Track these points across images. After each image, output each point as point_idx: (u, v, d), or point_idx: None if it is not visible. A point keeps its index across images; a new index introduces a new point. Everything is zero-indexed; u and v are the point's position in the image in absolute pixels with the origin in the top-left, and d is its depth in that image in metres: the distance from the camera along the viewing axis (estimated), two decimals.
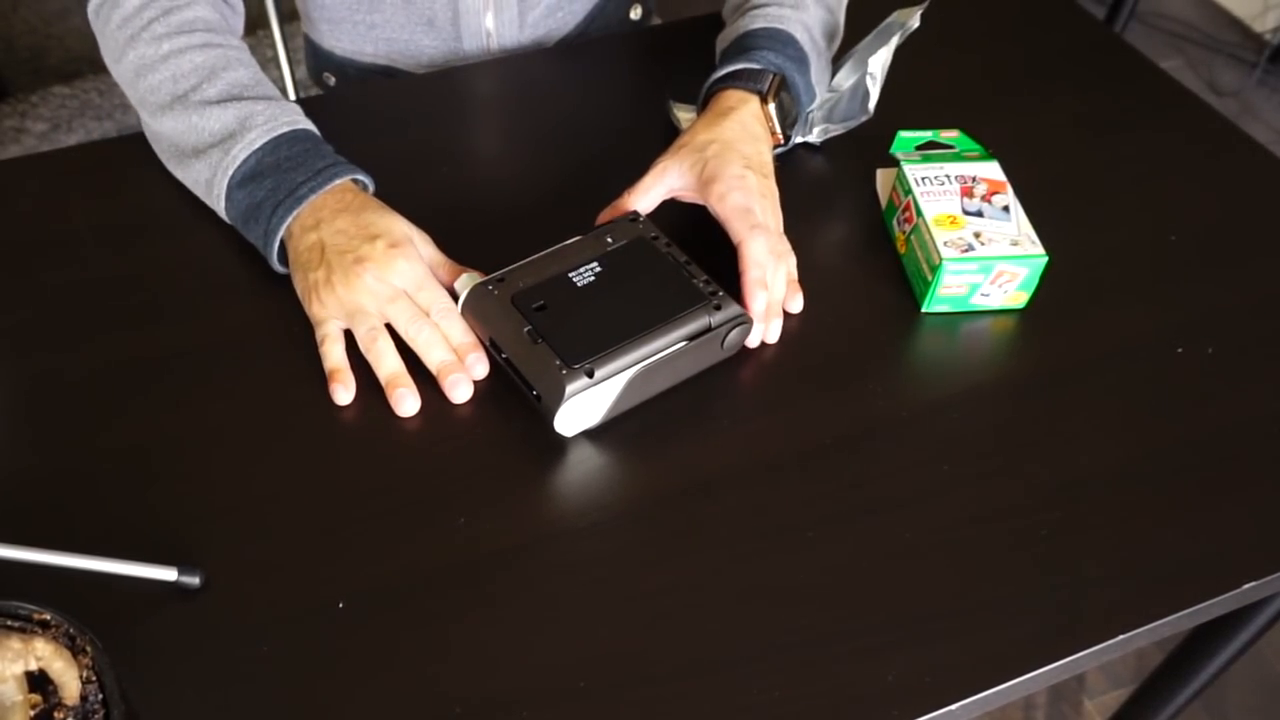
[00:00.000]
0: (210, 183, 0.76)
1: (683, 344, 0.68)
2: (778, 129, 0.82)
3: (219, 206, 0.77)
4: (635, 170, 0.78)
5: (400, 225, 0.73)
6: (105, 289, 0.75)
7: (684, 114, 0.88)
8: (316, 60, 1.07)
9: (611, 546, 0.64)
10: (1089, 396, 0.73)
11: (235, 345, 0.72)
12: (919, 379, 0.73)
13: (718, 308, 0.69)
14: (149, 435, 0.67)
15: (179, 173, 0.80)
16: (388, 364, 0.70)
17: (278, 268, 0.75)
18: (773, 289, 0.73)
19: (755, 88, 0.80)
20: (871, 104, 0.85)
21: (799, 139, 0.87)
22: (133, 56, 0.80)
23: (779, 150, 0.83)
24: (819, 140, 0.88)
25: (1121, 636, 0.61)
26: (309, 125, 0.78)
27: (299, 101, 0.86)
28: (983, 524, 0.65)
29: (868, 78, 0.84)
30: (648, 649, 0.59)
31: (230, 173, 0.75)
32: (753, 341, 0.73)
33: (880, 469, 0.68)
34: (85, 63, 1.71)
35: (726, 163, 0.75)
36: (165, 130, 0.79)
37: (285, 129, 0.76)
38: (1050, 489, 0.67)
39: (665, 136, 0.88)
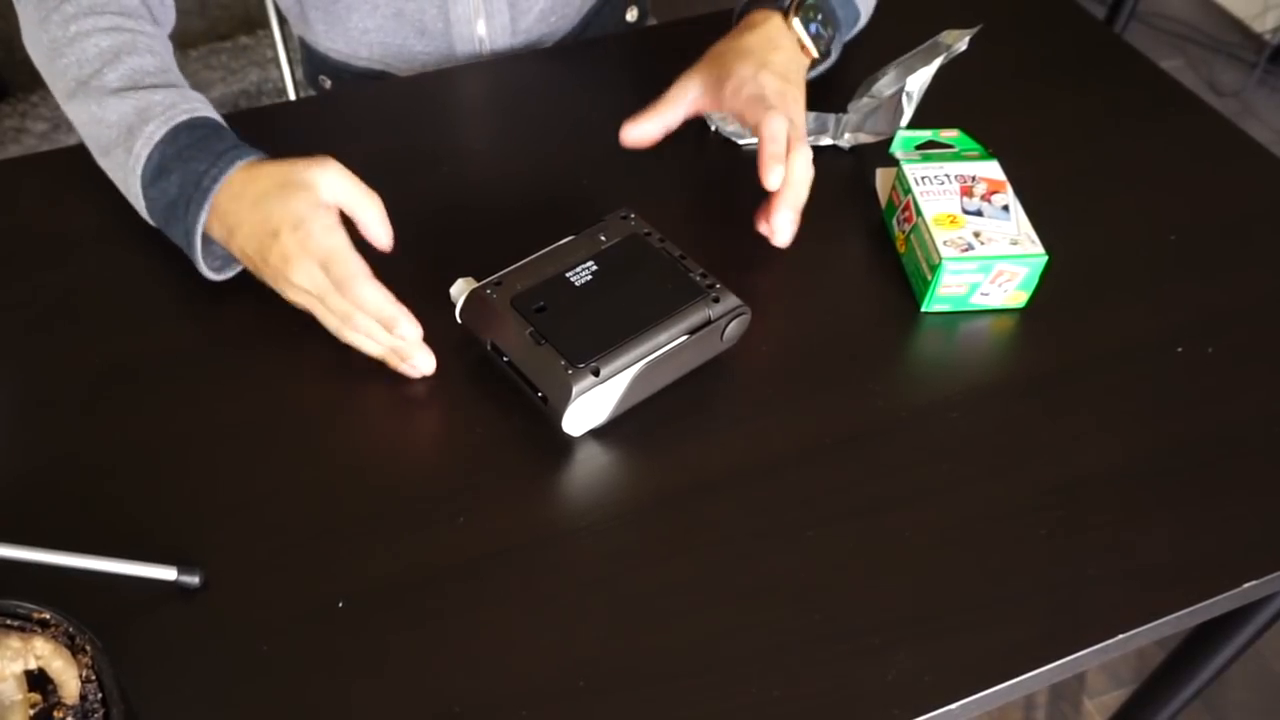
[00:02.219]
0: (125, 184, 0.74)
1: (684, 338, 0.68)
2: (808, 44, 0.81)
3: (140, 210, 0.74)
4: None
5: (294, 202, 0.68)
6: (105, 289, 0.75)
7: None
8: (312, 64, 1.07)
9: (611, 546, 0.64)
10: (1089, 396, 0.73)
11: (235, 345, 0.72)
12: (919, 379, 0.73)
13: (716, 300, 0.69)
14: (149, 435, 0.67)
15: (102, 166, 0.78)
16: (371, 348, 0.70)
17: (205, 271, 0.73)
18: (792, 171, 0.72)
19: (778, 4, 0.81)
20: (904, 120, 0.85)
21: (829, 141, 0.87)
22: (45, 39, 0.78)
23: (818, 69, 0.85)
24: (848, 146, 0.88)
25: (1121, 636, 0.61)
26: (211, 113, 0.75)
27: (296, 103, 0.86)
28: (983, 524, 0.65)
29: (904, 96, 0.84)
30: (648, 649, 0.59)
31: (139, 172, 0.72)
32: (778, 239, 0.73)
33: (880, 469, 0.68)
34: None
35: (741, 65, 0.77)
36: (74, 119, 0.77)
37: (184, 117, 0.73)
38: (1051, 488, 0.67)
39: (670, 136, 0.88)
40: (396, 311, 0.68)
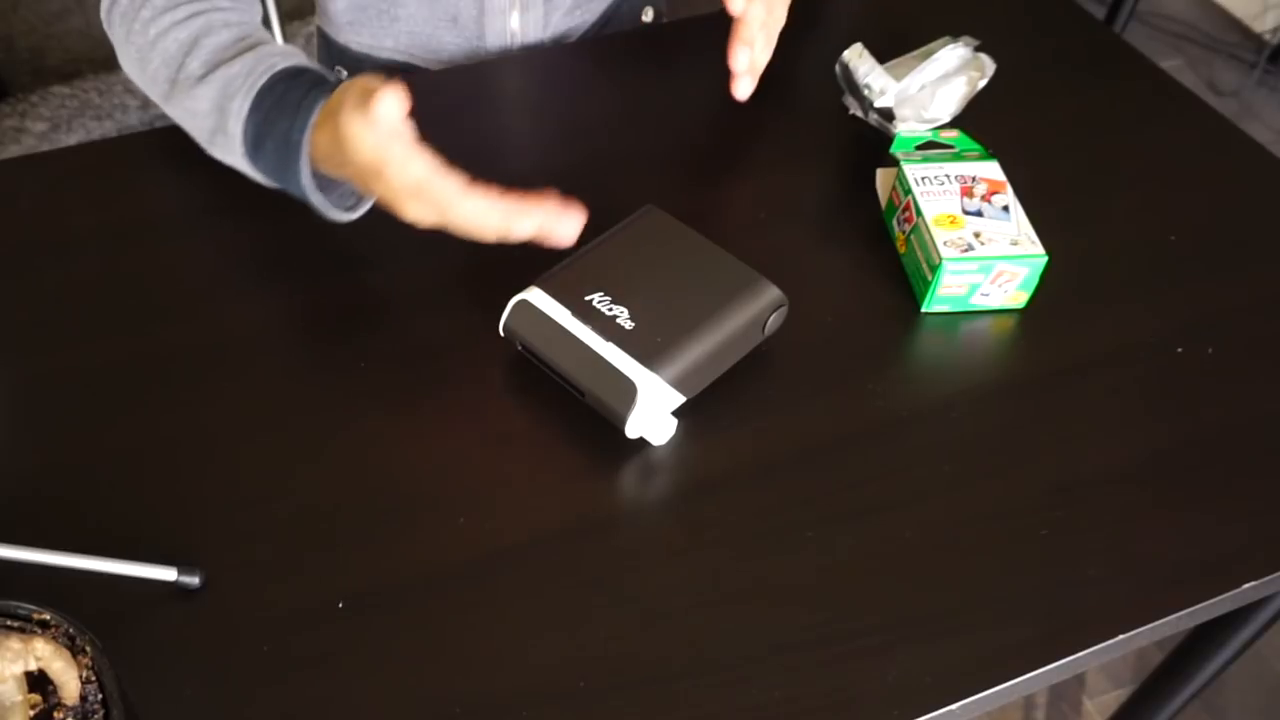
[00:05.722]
0: (240, 168, 0.75)
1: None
2: None
3: (269, 183, 0.75)
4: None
5: (361, 154, 0.65)
6: (105, 289, 0.75)
7: None
8: (329, 55, 1.07)
9: (611, 546, 0.64)
10: (1089, 396, 0.73)
11: (235, 345, 0.72)
12: (919, 379, 0.73)
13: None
14: (149, 435, 0.67)
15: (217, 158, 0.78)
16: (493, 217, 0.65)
17: (339, 216, 0.73)
18: (745, 16, 0.79)
19: None
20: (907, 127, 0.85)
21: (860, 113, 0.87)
22: (133, 52, 0.78)
23: None
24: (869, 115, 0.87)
25: (1121, 636, 0.61)
26: (289, 61, 0.74)
27: None
28: (983, 524, 0.65)
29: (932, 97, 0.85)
30: (648, 649, 0.59)
31: (241, 151, 0.73)
32: (739, 89, 0.82)
33: (880, 469, 0.68)
34: (85, 63, 1.70)
35: None
36: (176, 120, 0.77)
37: (263, 80, 0.72)
38: (1050, 489, 0.67)
39: (674, 133, 0.88)
40: (509, 210, 0.65)
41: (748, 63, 0.81)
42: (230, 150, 0.74)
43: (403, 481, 0.66)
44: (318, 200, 0.72)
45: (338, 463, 0.66)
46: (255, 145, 0.72)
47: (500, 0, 0.96)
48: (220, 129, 0.74)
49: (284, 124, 0.71)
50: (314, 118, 0.70)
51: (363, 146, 0.64)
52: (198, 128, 0.76)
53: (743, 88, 0.83)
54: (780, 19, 0.83)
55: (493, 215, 0.65)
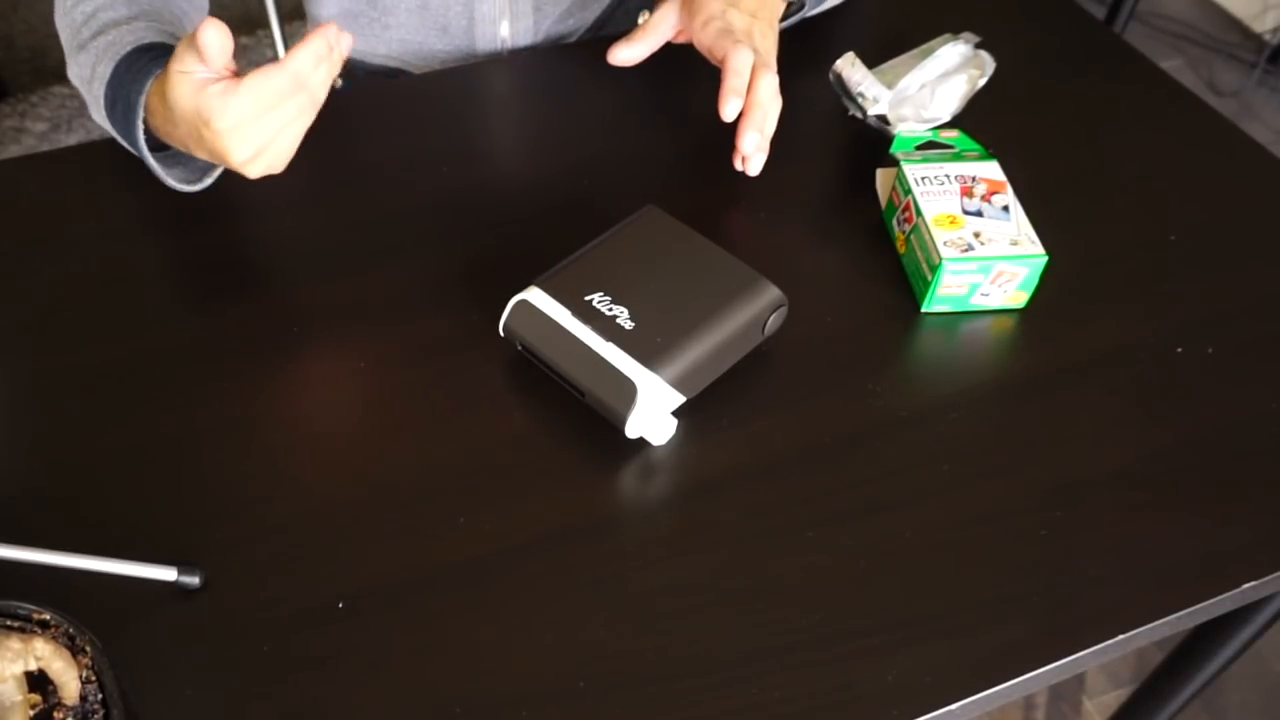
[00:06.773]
0: (113, 134, 0.78)
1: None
2: None
3: (129, 139, 0.76)
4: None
5: (187, 108, 0.66)
6: (105, 289, 0.75)
7: None
8: None
9: (611, 546, 0.64)
10: (1089, 396, 0.73)
11: (235, 345, 0.72)
12: (919, 379, 0.73)
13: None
14: (149, 435, 0.67)
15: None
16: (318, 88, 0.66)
17: (176, 185, 0.77)
18: (756, 94, 0.76)
19: None
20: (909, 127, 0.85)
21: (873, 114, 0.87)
22: (57, 24, 0.82)
23: (794, 18, 0.88)
24: (867, 116, 0.87)
25: (1121, 636, 0.61)
26: (154, 36, 0.76)
27: None
28: (983, 524, 0.65)
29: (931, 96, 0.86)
30: (648, 649, 0.59)
31: (104, 113, 0.76)
32: (749, 168, 0.80)
33: (880, 469, 0.68)
34: None
35: (711, 1, 0.80)
36: (76, 86, 0.81)
37: (128, 48, 0.75)
38: (1050, 489, 0.67)
39: (673, 133, 0.88)
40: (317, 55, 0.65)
41: (735, 111, 0.78)
42: (100, 114, 0.78)
43: (402, 481, 0.66)
44: (151, 159, 0.74)
45: (338, 462, 0.66)
46: (110, 108, 0.76)
47: (490, 10, 0.96)
48: (90, 93, 0.78)
49: (128, 87, 0.74)
50: (151, 80, 0.72)
51: (181, 92, 0.65)
52: (82, 93, 0.79)
53: (748, 150, 0.79)
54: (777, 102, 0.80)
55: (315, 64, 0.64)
